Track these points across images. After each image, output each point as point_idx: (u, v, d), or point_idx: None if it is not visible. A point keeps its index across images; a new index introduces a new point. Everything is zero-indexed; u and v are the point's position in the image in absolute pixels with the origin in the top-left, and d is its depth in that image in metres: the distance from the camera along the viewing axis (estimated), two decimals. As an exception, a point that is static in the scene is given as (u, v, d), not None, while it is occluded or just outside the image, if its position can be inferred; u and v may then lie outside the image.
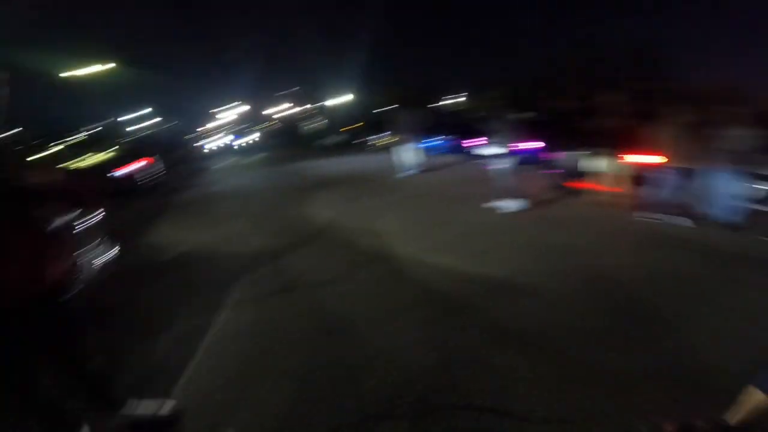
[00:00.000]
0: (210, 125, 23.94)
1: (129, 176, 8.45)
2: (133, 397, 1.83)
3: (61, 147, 11.13)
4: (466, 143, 7.99)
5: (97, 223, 3.63)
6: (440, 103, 19.49)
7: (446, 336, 2.25)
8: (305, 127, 19.74)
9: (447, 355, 2.08)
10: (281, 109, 23.40)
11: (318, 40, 23.65)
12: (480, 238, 3.80)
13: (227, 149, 19.96)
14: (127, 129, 19.22)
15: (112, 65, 12.45)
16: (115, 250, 3.61)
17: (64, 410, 1.66)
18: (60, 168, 8.54)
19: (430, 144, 8.65)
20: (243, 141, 19.59)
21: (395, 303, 2.68)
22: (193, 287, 3.34)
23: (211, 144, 20.60)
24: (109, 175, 8.15)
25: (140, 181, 8.75)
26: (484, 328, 2.29)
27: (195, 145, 17.48)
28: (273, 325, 2.60)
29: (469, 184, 5.95)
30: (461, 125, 8.75)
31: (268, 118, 22.99)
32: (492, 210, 4.55)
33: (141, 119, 21.90)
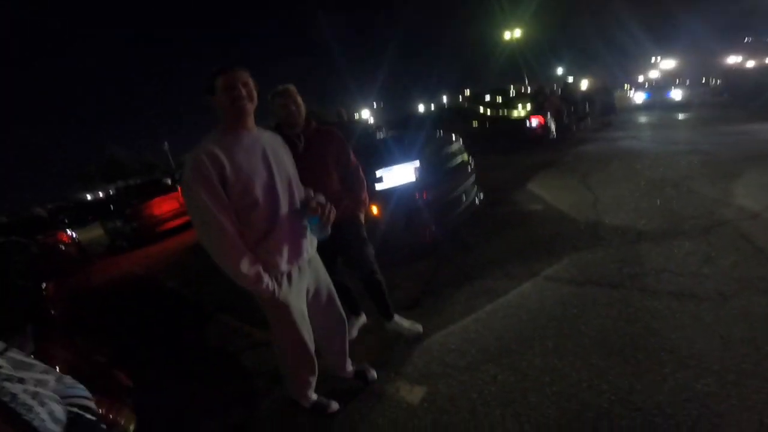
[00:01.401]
0: (640, 77, 21.92)
1: (540, 126, 9.47)
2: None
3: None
4: None
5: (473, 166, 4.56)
6: None
7: None
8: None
9: None
10: (733, 62, 17.65)
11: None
12: None
13: (655, 103, 18.26)
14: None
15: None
16: (480, 194, 4.40)
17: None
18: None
19: None
20: (672, 95, 17.05)
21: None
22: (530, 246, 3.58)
23: (633, 96, 19.16)
24: (526, 123, 9.50)
25: (550, 131, 9.68)
26: None
27: (612, 97, 16.60)
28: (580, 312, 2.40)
29: None
30: None
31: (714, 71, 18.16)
32: None
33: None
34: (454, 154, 4.18)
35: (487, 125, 10.06)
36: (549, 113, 10.11)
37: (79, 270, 6.85)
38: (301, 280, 1.75)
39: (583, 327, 2.26)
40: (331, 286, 1.95)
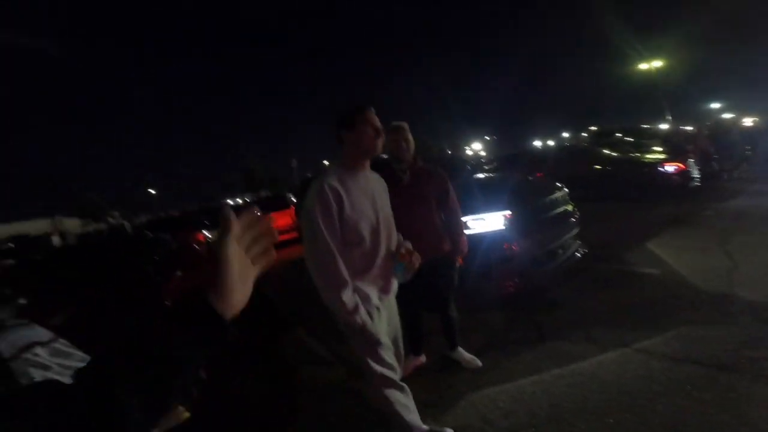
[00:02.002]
0: None
1: (679, 172, 8.10)
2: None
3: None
4: None
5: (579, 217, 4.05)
6: None
7: None
8: None
9: None
10: None
11: None
12: None
13: None
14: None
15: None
16: (582, 249, 3.93)
17: None
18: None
19: None
20: None
21: None
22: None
23: None
24: (659, 168, 8.24)
25: (691, 178, 8.22)
26: None
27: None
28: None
29: None
30: None
31: None
32: None
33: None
34: (555, 204, 3.88)
35: (610, 168, 8.94)
36: (692, 157, 8.64)
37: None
38: (384, 314, 1.82)
39: (660, 407, 1.95)
40: (399, 327, 1.98)
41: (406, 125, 2.40)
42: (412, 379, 2.52)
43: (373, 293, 1.69)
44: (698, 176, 8.34)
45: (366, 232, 1.63)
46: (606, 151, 9.55)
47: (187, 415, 1.68)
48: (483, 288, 3.43)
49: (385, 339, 1.76)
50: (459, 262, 2.53)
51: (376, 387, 1.83)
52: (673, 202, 7.53)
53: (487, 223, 3.38)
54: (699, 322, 2.79)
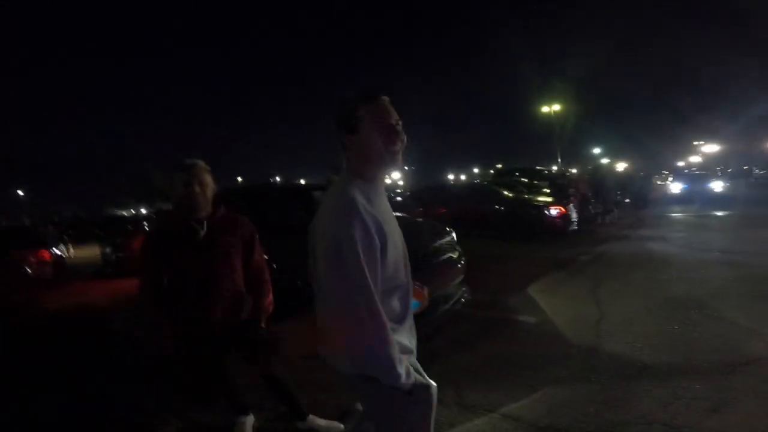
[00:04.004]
0: (680, 163, 21.71)
1: (561, 216, 8.85)
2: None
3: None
4: None
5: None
6: None
7: None
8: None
9: None
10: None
11: None
12: None
13: (693, 194, 17.71)
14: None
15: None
16: (466, 296, 3.88)
17: None
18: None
19: None
20: (712, 186, 16.50)
21: None
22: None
23: (670, 186, 18.51)
24: (545, 211, 8.95)
25: (571, 222, 9.05)
26: None
27: (649, 185, 15.99)
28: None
29: None
30: None
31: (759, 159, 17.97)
32: None
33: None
34: (440, 251, 3.81)
35: (504, 208, 9.50)
36: (573, 201, 9.60)
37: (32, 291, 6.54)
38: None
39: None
40: None
41: (201, 163, 1.93)
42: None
43: (411, 342, 1.27)
44: (576, 220, 9.23)
45: (401, 271, 1.21)
46: (503, 191, 10.16)
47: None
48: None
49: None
50: (263, 324, 2.14)
51: None
52: (556, 244, 8.19)
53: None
54: (565, 381, 2.75)
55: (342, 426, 2.24)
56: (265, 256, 2.27)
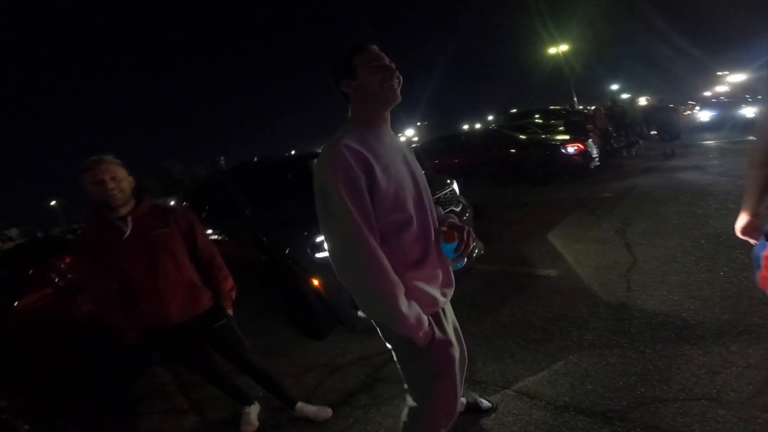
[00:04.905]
0: (707, 93, 20.14)
1: (580, 153, 8.14)
2: None
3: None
4: None
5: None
6: None
7: None
8: None
9: None
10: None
11: None
12: None
13: (725, 121, 16.48)
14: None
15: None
16: (476, 247, 3.46)
17: None
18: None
19: None
20: (743, 112, 15.25)
21: None
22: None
23: (698, 114, 17.20)
24: (562, 150, 8.23)
25: (592, 158, 8.33)
26: None
27: (677, 115, 14.76)
28: None
29: None
30: None
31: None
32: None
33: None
34: (437, 204, 3.31)
35: (517, 151, 8.81)
36: (592, 136, 8.80)
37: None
38: (450, 317, 1.40)
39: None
40: (459, 329, 1.50)
41: (110, 158, 1.78)
42: None
43: (436, 292, 1.24)
44: (597, 156, 8.50)
45: (411, 207, 1.19)
46: (515, 134, 9.46)
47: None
48: (353, 319, 2.78)
49: (458, 349, 1.31)
50: (229, 309, 2.05)
51: (426, 413, 1.32)
52: (576, 182, 7.57)
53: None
54: (592, 346, 2.32)
55: (330, 410, 2.21)
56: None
